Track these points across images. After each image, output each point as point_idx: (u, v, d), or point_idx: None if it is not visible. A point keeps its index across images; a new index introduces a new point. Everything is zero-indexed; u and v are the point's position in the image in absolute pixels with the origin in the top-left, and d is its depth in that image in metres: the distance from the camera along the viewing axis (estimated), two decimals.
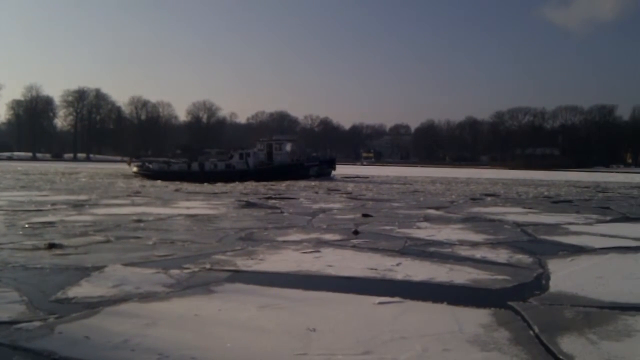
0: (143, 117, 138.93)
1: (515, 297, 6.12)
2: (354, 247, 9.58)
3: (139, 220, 12.68)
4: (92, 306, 5.47)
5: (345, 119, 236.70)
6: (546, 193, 27.38)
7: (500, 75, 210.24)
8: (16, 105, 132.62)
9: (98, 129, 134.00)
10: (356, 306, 5.67)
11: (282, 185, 31.82)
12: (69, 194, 21.70)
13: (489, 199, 22.87)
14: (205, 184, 33.09)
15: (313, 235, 10.82)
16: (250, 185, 32.07)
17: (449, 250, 9.38)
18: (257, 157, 44.40)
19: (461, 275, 7.31)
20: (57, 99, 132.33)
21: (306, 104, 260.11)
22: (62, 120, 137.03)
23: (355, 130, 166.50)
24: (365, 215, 14.63)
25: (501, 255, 8.92)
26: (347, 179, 43.73)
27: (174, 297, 5.93)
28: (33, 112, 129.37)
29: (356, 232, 11.19)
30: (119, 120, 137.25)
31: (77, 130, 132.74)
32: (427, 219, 14.27)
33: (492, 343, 4.50)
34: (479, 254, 8.99)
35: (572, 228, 12.72)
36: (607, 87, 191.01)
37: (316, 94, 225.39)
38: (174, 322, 4.98)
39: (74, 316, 5.12)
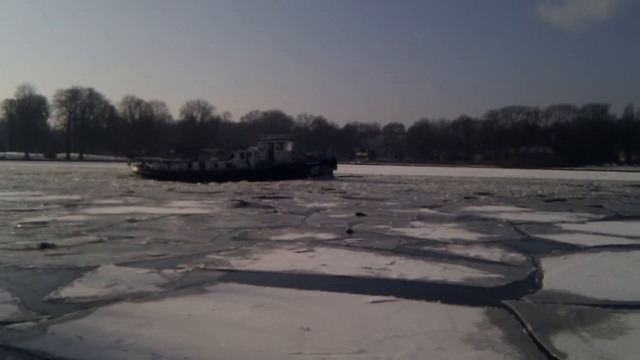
0: (137, 116, 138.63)
1: (508, 295, 6.14)
2: (348, 246, 9.58)
3: (132, 220, 12.64)
4: (85, 306, 5.45)
5: (339, 118, 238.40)
6: (539, 192, 27.46)
7: (494, 74, 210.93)
8: (9, 104, 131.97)
9: (91, 129, 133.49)
10: (350, 305, 5.67)
11: (276, 185, 31.80)
12: (61, 193, 21.61)
13: (482, 197, 22.92)
14: (200, 183, 32.91)
15: (307, 235, 10.81)
16: (243, 184, 32.03)
17: (443, 249, 9.40)
18: (258, 156, 44.25)
19: (455, 273, 7.33)
20: (50, 99, 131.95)
21: (300, 103, 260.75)
22: (55, 119, 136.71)
23: (350, 129, 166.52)
24: (359, 215, 14.63)
25: (495, 253, 8.94)
26: (341, 178, 43.73)
27: (168, 297, 5.91)
28: (26, 111, 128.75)
29: (350, 231, 11.19)
30: (112, 120, 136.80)
31: (70, 129, 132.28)
32: (421, 217, 14.29)
33: (486, 341, 4.51)
34: (472, 252, 9.01)
35: (565, 226, 12.77)
36: (601, 86, 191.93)
37: (310, 93, 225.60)
38: (168, 322, 4.97)
39: (67, 316, 5.09)
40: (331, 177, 43.40)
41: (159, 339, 4.48)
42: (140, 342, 4.39)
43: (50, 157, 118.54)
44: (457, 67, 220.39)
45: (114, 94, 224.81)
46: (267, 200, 19.96)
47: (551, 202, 21.06)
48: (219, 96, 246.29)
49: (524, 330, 4.85)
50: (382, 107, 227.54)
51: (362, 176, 48.09)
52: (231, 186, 30.03)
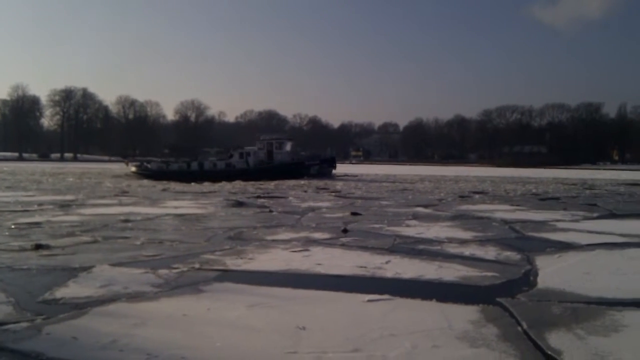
0: (131, 116, 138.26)
1: (503, 293, 6.15)
2: (343, 245, 9.58)
3: (127, 220, 12.61)
4: (80, 307, 5.43)
5: (334, 118, 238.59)
6: (534, 190, 27.54)
7: (488, 74, 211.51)
8: (2, 104, 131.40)
9: (85, 129, 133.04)
10: (345, 304, 5.67)
11: (271, 184, 31.77)
12: (55, 194, 21.54)
13: (477, 196, 22.97)
14: (199, 183, 32.79)
15: (302, 234, 10.81)
16: (238, 184, 31.98)
17: (438, 247, 9.41)
18: (257, 156, 44.17)
19: (450, 272, 7.34)
20: (43, 99, 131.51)
21: (295, 102, 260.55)
22: (48, 119, 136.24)
23: (344, 128, 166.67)
24: (354, 214, 14.64)
25: (489, 252, 8.96)
26: (337, 177, 43.73)
27: (163, 297, 5.89)
28: (19, 111, 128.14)
29: (345, 231, 11.19)
30: (106, 120, 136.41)
31: (64, 129, 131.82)
32: (416, 216, 14.31)
33: (481, 339, 4.52)
34: (467, 251, 9.02)
35: (560, 225, 12.80)
36: (594, 85, 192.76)
37: (305, 92, 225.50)
38: (163, 322, 4.96)
39: (62, 317, 5.07)
40: (330, 176, 43.39)
41: (154, 339, 4.46)
42: (136, 342, 4.37)
43: (44, 157, 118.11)
44: (452, 67, 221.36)
45: (108, 94, 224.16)
46: (262, 200, 19.94)
47: (545, 200, 21.11)
48: (213, 96, 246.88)
49: (519, 328, 4.86)
50: (376, 107, 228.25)
51: (356, 175, 48.10)
52: (226, 186, 29.99)
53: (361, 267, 7.59)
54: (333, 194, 24.05)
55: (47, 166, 71.52)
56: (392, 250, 9.10)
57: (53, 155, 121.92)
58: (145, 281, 6.61)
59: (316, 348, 4.27)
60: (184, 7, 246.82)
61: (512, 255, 8.66)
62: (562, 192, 26.26)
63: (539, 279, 6.95)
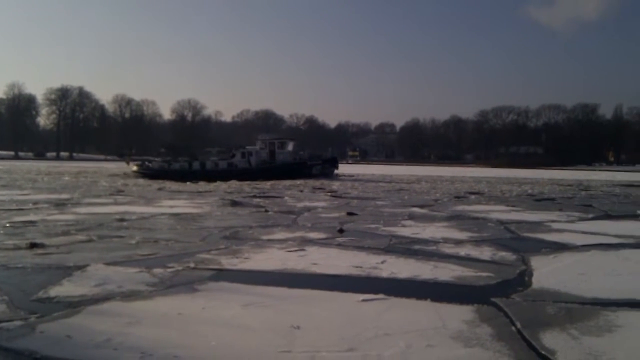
0: (127, 115, 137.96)
1: (498, 293, 6.17)
2: (339, 245, 9.58)
3: (122, 219, 12.58)
4: (74, 305, 5.42)
5: (330, 118, 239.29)
6: (529, 191, 27.60)
7: (485, 74, 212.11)
8: None
9: (81, 128, 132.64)
10: (340, 304, 5.67)
11: (267, 184, 31.75)
12: (51, 192, 21.48)
13: (473, 197, 23.00)
14: (196, 183, 32.76)
15: (298, 234, 10.80)
16: (234, 184, 31.95)
17: (434, 247, 9.42)
18: (260, 156, 44.06)
19: (445, 272, 7.35)
20: (39, 97, 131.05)
21: (292, 102, 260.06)
22: (44, 118, 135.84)
23: (341, 128, 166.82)
24: (350, 214, 14.64)
25: (485, 252, 8.97)
26: (339, 177, 43.67)
27: (158, 296, 5.88)
28: (15, 110, 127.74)
29: (341, 231, 11.19)
30: (102, 119, 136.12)
31: (60, 128, 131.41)
32: (411, 217, 14.33)
33: (475, 339, 4.53)
34: (463, 251, 9.04)
35: (555, 225, 12.84)
36: (590, 86, 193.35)
37: (302, 92, 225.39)
38: (158, 321, 4.95)
39: (56, 315, 5.06)
40: (333, 176, 43.32)
41: (148, 337, 4.46)
42: (130, 341, 4.37)
43: (40, 156, 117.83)
44: (448, 67, 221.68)
45: (104, 93, 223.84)
46: (257, 200, 19.92)
47: (541, 201, 21.17)
48: (210, 95, 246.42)
49: (513, 328, 4.87)
50: (373, 107, 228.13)
51: (353, 175, 48.08)
52: (221, 185, 29.96)
53: (357, 267, 7.59)
54: (329, 193, 24.05)
55: (42, 165, 71.31)
56: (387, 250, 9.11)
57: (49, 154, 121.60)
58: (140, 280, 6.60)
59: (310, 347, 4.27)
60: (180, 6, 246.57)
61: (507, 256, 8.67)
62: (557, 193, 26.33)
63: (534, 280, 6.97)
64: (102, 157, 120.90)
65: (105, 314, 5.17)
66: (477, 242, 10.06)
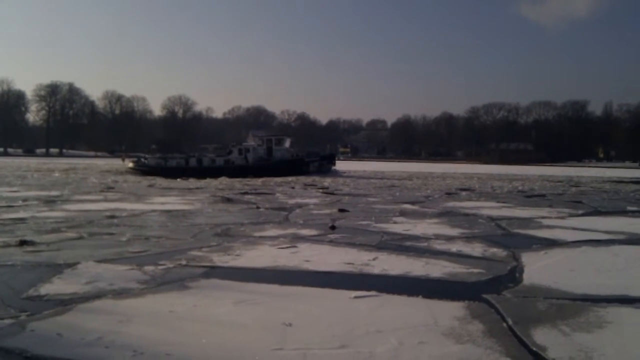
0: (117, 111, 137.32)
1: (489, 290, 6.19)
2: (330, 242, 9.58)
3: (112, 216, 12.52)
4: (65, 303, 5.38)
5: (322, 114, 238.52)
6: (520, 187, 27.74)
7: (475, 71, 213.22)
8: None
9: (71, 124, 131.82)
10: (332, 300, 5.67)
11: (258, 181, 31.68)
12: (40, 189, 21.33)
13: (464, 193, 23.08)
14: (182, 179, 32.65)
15: (290, 231, 10.79)
16: (224, 180, 31.86)
17: (425, 244, 9.44)
18: (257, 152, 43.89)
19: (437, 269, 7.36)
20: (29, 93, 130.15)
21: (283, 99, 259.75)
22: (34, 115, 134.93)
23: (332, 125, 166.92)
24: (341, 210, 14.64)
25: (476, 249, 9.00)
26: (340, 174, 43.62)
27: (149, 294, 5.86)
28: (4, 106, 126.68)
29: (333, 227, 11.19)
30: (92, 115, 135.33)
31: (49, 125, 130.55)
32: (403, 213, 14.35)
33: (467, 335, 4.54)
34: (454, 247, 9.06)
35: (546, 222, 12.90)
36: (580, 83, 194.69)
37: (293, 89, 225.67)
38: (149, 319, 4.93)
39: (46, 313, 5.03)
40: (330, 173, 43.28)
41: (140, 335, 4.44)
42: (121, 339, 4.34)
43: (30, 152, 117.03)
44: (439, 64, 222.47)
45: (94, 89, 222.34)
46: (249, 197, 19.87)
47: (531, 197, 21.27)
48: (200, 91, 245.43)
49: (505, 324, 4.89)
50: (364, 104, 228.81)
51: (344, 172, 48.07)
52: (212, 182, 29.87)
53: (348, 263, 7.60)
54: (321, 190, 24.04)
55: (32, 161, 70.81)
56: (379, 246, 9.11)
57: (38, 151, 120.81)
58: (131, 277, 6.57)
59: (302, 344, 4.27)
60: (171, 2, 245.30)
61: (498, 252, 8.70)
62: (548, 190, 26.46)
63: (525, 276, 7.00)
64: (92, 153, 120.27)
65: (96, 312, 5.14)
66: (468, 239, 10.09)
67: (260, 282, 6.48)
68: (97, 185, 24.97)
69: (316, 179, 35.22)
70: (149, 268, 7.11)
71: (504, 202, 18.42)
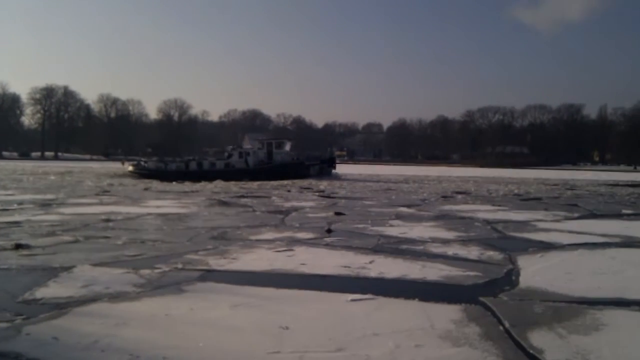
0: (113, 115, 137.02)
1: (486, 293, 6.19)
2: (327, 245, 9.58)
3: (108, 220, 12.49)
4: (61, 307, 5.37)
5: (318, 118, 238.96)
6: (516, 191, 27.77)
7: (471, 75, 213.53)
8: None
9: (66, 127, 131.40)
10: (329, 304, 5.66)
11: (254, 184, 31.67)
12: (36, 193, 21.26)
13: (460, 196, 23.10)
14: (177, 182, 32.57)
15: (286, 234, 10.78)
16: (220, 183, 31.83)
17: (421, 247, 9.44)
18: (257, 156, 43.80)
19: (433, 272, 7.37)
20: (24, 97, 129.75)
21: (279, 102, 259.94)
22: (29, 118, 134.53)
23: (328, 128, 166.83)
24: (338, 214, 14.64)
25: (472, 252, 9.01)
26: (325, 177, 43.62)
27: (145, 297, 5.84)
28: None
29: (329, 231, 11.19)
30: (87, 118, 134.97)
31: (44, 128, 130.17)
32: (399, 216, 14.35)
33: (464, 338, 4.54)
34: (450, 251, 9.06)
35: (541, 225, 12.92)
36: (575, 86, 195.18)
37: (289, 92, 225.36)
38: (145, 322, 4.92)
39: (42, 317, 5.01)
40: (331, 176, 43.23)
41: (136, 339, 4.42)
42: (117, 342, 4.33)
43: (25, 156, 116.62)
44: (435, 67, 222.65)
45: (90, 92, 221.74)
46: (245, 200, 19.86)
47: (527, 201, 21.30)
48: (196, 95, 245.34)
49: (501, 327, 4.89)
50: (360, 107, 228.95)
51: (345, 175, 48.02)
52: (207, 185, 29.83)
53: (345, 267, 7.59)
54: (316, 193, 24.04)
55: (27, 165, 70.59)
56: (375, 250, 9.12)
57: (34, 154, 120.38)
58: (127, 281, 6.55)
59: (299, 348, 4.26)
60: (166, 4, 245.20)
61: (495, 255, 8.71)
62: (543, 193, 26.51)
63: (521, 279, 7.01)
64: (87, 156, 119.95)
65: (92, 315, 5.12)
66: (465, 242, 10.10)
67: (257, 285, 6.48)
68: (92, 189, 24.89)
69: (315, 182, 35.19)
70: (145, 271, 7.10)
71: (499, 205, 18.45)
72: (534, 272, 7.45)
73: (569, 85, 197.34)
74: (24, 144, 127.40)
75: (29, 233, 10.26)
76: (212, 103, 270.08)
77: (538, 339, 4.57)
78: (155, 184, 30.61)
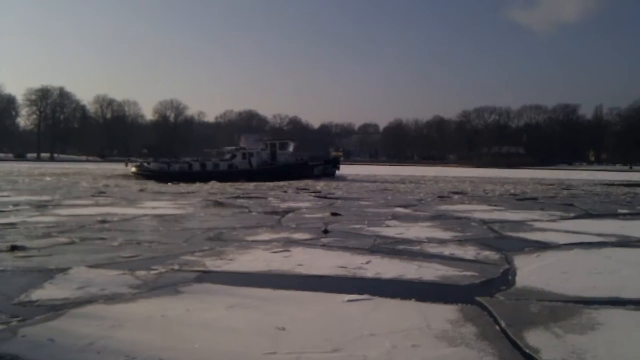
0: (109, 116, 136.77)
1: (482, 293, 6.20)
2: (323, 246, 9.57)
3: (104, 221, 12.47)
4: (57, 309, 5.35)
5: (314, 118, 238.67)
6: (512, 191, 27.82)
7: (467, 76, 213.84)
8: None
9: (62, 129, 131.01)
10: (326, 305, 5.66)
11: (250, 185, 31.65)
12: (32, 194, 21.21)
13: (456, 197, 23.13)
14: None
15: (283, 235, 10.77)
16: (217, 185, 31.79)
17: (418, 248, 9.45)
18: (261, 157, 43.69)
19: (430, 272, 7.37)
20: (20, 98, 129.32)
21: (275, 103, 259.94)
22: (25, 119, 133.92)
23: (325, 129, 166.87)
24: (334, 214, 14.65)
25: (469, 252, 9.02)
26: (325, 178, 43.59)
27: (141, 299, 5.83)
28: None
29: (326, 231, 11.19)
30: (83, 120, 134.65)
31: (40, 129, 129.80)
32: (396, 217, 14.36)
33: (460, 338, 4.55)
34: (447, 251, 9.08)
35: (538, 225, 12.95)
36: (571, 87, 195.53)
37: (285, 93, 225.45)
38: (141, 324, 4.91)
39: (38, 319, 5.00)
40: (334, 177, 43.20)
41: (132, 340, 4.41)
42: (114, 344, 4.32)
43: (21, 157, 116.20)
44: (431, 68, 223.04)
45: (86, 93, 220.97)
46: (241, 201, 19.84)
47: (524, 201, 21.35)
48: (192, 96, 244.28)
49: (498, 327, 4.90)
50: (357, 108, 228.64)
51: (349, 176, 47.97)
52: (204, 187, 29.78)
53: (342, 267, 7.59)
54: (313, 194, 24.04)
55: (23, 166, 70.36)
56: (372, 250, 9.12)
57: (29, 156, 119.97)
58: (123, 283, 6.54)
59: (296, 349, 4.26)
60: (162, 6, 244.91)
61: (491, 255, 8.73)
62: (540, 193, 26.56)
63: (518, 279, 7.02)
64: (84, 158, 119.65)
65: (88, 317, 5.11)
66: (461, 242, 10.12)
67: (253, 286, 6.47)
68: (88, 190, 24.83)
69: (312, 183, 35.18)
70: (141, 273, 7.08)
71: (496, 206, 18.49)
72: (531, 272, 7.47)
73: (565, 86, 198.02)
74: (20, 146, 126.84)
75: (25, 235, 10.23)
76: (208, 104, 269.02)
77: (534, 338, 4.58)
78: (152, 186, 30.54)
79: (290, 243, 9.74)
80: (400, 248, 9.38)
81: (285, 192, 25.69)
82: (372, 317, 5.18)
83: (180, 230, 11.40)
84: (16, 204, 16.51)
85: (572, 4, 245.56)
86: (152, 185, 30.60)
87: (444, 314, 5.31)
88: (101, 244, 9.38)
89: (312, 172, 42.50)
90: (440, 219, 14.17)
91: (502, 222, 13.43)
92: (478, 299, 5.87)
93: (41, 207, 15.94)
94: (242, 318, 5.12)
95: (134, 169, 45.02)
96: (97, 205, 17.10)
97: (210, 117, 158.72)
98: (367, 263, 7.92)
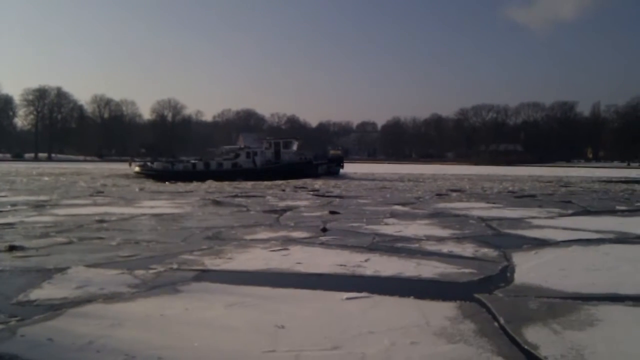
0: (106, 115, 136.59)
1: (481, 289, 6.21)
2: (322, 244, 9.58)
3: (102, 221, 12.45)
4: (55, 308, 5.35)
5: (312, 117, 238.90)
6: (510, 188, 27.85)
7: (465, 73, 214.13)
8: None
9: (60, 128, 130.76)
10: (325, 302, 5.66)
11: (248, 184, 31.64)
12: (29, 194, 21.18)
13: (454, 194, 23.14)
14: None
15: (281, 233, 10.77)
16: (214, 183, 31.77)
17: (416, 245, 9.45)
18: (265, 156, 43.60)
19: (428, 269, 7.38)
20: (17, 98, 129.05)
21: (273, 101, 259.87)
22: (22, 119, 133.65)
23: (322, 127, 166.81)
24: (333, 212, 14.65)
25: (467, 249, 9.03)
26: (328, 176, 43.60)
27: (140, 298, 5.83)
28: None
29: (324, 229, 11.19)
30: (81, 119, 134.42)
31: (38, 129, 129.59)
32: (394, 215, 14.36)
33: (459, 335, 4.55)
34: (445, 248, 9.08)
35: (536, 222, 12.96)
36: (568, 84, 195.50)
37: (283, 92, 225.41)
38: (140, 323, 4.90)
39: (37, 318, 4.99)
40: (338, 175, 43.20)
41: (131, 339, 4.41)
42: (113, 343, 4.32)
43: (18, 157, 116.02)
44: (429, 66, 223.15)
45: (83, 93, 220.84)
46: (239, 199, 19.83)
47: (522, 198, 21.37)
48: (190, 95, 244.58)
49: (496, 323, 4.91)
50: (354, 106, 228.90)
51: (353, 174, 47.99)
52: (202, 186, 29.77)
53: (340, 265, 7.60)
54: (311, 192, 24.03)
55: (20, 166, 70.25)
56: (371, 248, 9.12)
57: (27, 155, 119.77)
58: (121, 282, 6.53)
59: (295, 346, 4.26)
60: (160, 5, 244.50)
61: (490, 252, 8.73)
62: (537, 190, 26.58)
63: (516, 275, 7.03)
64: (81, 157, 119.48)
65: (87, 316, 5.11)
66: (459, 239, 10.12)
67: (252, 284, 6.47)
68: (86, 190, 24.79)
69: (310, 181, 35.19)
70: (139, 272, 7.08)
71: (494, 203, 18.50)
72: (529, 268, 7.48)
73: (562, 84, 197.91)
74: (17, 146, 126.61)
75: (23, 234, 10.22)
76: (205, 103, 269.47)
77: (533, 335, 4.58)
78: (150, 185, 30.51)
79: (289, 241, 9.74)
80: (398, 245, 9.39)
81: (283, 190, 25.68)
82: (370, 315, 5.18)
83: (178, 229, 11.39)
84: (14, 204, 16.49)
85: (569, 3, 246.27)
86: (150, 185, 30.54)
87: (442, 310, 5.31)
88: (99, 244, 9.38)
89: (316, 171, 42.49)
90: (438, 216, 14.18)
91: (500, 219, 13.44)
92: (476, 295, 5.88)
93: (39, 206, 15.92)
94: (241, 316, 5.12)
95: (137, 169, 44.90)
96: (95, 204, 17.08)
97: (208, 116, 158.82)
98: (366, 261, 7.93)
